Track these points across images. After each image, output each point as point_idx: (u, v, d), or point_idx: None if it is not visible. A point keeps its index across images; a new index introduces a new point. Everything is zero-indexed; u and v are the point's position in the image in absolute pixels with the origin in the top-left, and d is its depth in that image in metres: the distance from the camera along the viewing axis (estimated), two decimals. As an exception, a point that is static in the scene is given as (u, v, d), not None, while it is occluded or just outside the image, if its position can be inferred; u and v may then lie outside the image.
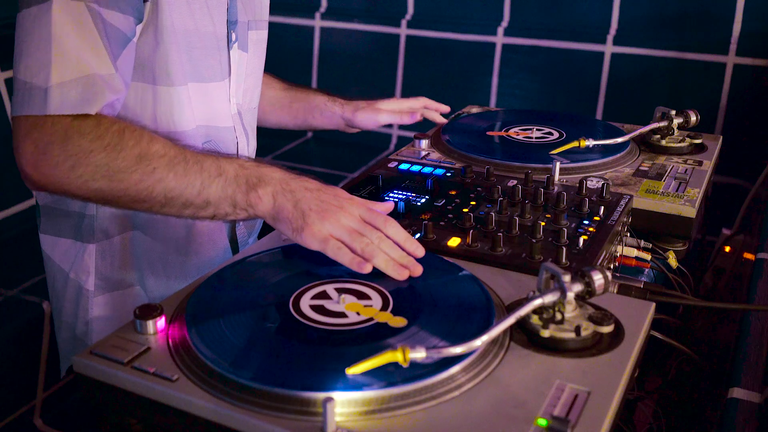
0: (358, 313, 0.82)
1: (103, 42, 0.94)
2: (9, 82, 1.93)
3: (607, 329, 0.79)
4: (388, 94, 2.57)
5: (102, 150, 0.91)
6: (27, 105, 0.91)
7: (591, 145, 1.29)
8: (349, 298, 0.85)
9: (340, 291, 0.87)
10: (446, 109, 1.52)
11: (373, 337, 0.78)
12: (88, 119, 0.92)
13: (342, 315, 0.82)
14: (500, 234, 0.99)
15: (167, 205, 0.94)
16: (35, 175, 0.92)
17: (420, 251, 0.93)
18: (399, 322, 0.80)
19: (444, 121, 1.51)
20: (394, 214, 1.09)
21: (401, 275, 0.89)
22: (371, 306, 0.83)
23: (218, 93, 1.16)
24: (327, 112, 1.46)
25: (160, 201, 0.94)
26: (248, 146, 1.28)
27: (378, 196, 1.16)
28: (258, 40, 1.26)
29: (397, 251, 0.92)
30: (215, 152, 1.00)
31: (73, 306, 1.19)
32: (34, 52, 0.91)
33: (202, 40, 1.11)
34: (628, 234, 1.16)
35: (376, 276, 0.89)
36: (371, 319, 0.81)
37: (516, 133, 1.44)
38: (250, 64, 1.24)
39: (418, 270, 0.90)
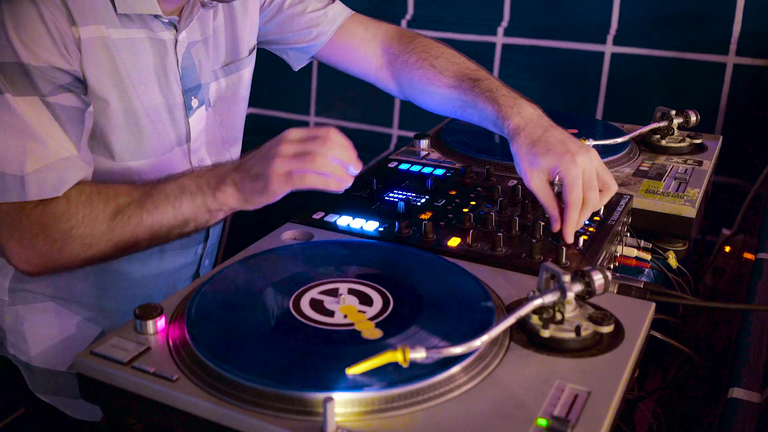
0: (345, 316, 0.82)
1: (64, 129, 0.98)
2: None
3: (607, 329, 0.79)
4: (389, 94, 2.57)
5: (81, 224, 0.96)
6: (3, 193, 0.95)
7: (591, 145, 1.28)
8: (350, 299, 0.85)
9: (341, 291, 0.86)
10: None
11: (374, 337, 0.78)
12: (57, 201, 0.97)
13: (331, 314, 0.82)
14: (500, 234, 0.99)
15: (155, 238, 0.99)
16: (28, 267, 0.99)
17: (356, 164, 0.94)
18: (374, 334, 0.79)
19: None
20: (394, 214, 1.10)
21: (340, 189, 0.93)
22: (364, 312, 0.83)
23: (174, 161, 1.16)
24: (496, 129, 1.17)
25: (147, 238, 0.99)
26: None
27: (378, 196, 1.16)
28: (231, 85, 1.23)
29: (346, 153, 0.93)
30: (169, 176, 1.02)
31: None
32: (1, 145, 0.95)
33: (149, 114, 1.10)
34: (628, 234, 1.16)
35: (377, 276, 0.90)
36: (352, 324, 0.80)
37: None
38: (223, 115, 1.23)
39: (348, 181, 0.93)
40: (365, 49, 1.34)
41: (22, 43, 0.95)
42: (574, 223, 1.00)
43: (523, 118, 1.09)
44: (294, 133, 0.94)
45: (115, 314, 1.20)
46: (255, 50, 1.28)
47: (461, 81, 1.22)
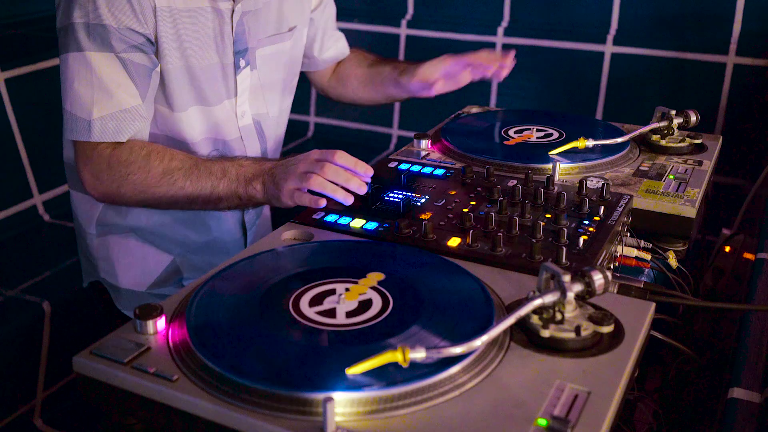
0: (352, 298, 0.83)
1: (133, 80, 1.19)
2: (9, 82, 1.94)
3: (607, 329, 0.79)
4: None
5: (136, 172, 1.18)
6: (76, 132, 1.19)
7: (591, 145, 1.29)
8: (350, 299, 0.85)
9: (339, 291, 0.86)
10: (505, 68, 1.52)
11: (374, 337, 0.78)
12: (123, 147, 1.19)
13: (331, 314, 0.82)
14: (500, 234, 0.99)
15: (192, 204, 1.21)
16: (96, 194, 1.23)
17: (369, 171, 1.13)
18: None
19: (502, 75, 1.51)
20: (395, 214, 1.10)
21: (346, 200, 1.10)
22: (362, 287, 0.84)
23: (223, 112, 1.35)
24: (394, 83, 1.54)
25: (186, 203, 1.20)
26: (268, 150, 1.48)
27: (378, 196, 1.16)
28: (271, 53, 1.42)
29: (342, 176, 1.10)
30: (222, 157, 1.24)
31: (82, 234, 1.43)
32: (77, 90, 1.17)
33: (205, 72, 1.30)
34: (628, 234, 1.16)
35: (377, 276, 0.90)
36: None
37: (529, 135, 1.44)
38: (264, 77, 1.41)
39: (362, 188, 1.11)
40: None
41: (108, 8, 1.16)
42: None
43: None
44: (314, 153, 1.13)
45: (186, 243, 1.41)
46: (295, 30, 1.46)
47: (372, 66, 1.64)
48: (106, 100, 1.17)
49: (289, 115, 1.55)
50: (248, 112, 1.40)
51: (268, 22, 1.39)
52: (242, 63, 1.35)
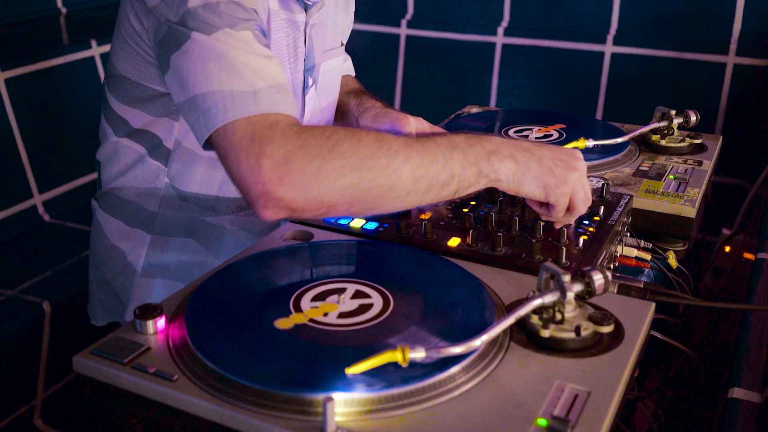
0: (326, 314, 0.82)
1: (275, 57, 0.99)
2: (9, 82, 1.94)
3: (607, 329, 0.79)
4: (389, 94, 2.57)
5: (343, 141, 0.88)
6: (233, 110, 0.90)
7: (591, 145, 1.29)
8: (349, 299, 0.85)
9: (341, 291, 0.86)
10: None
11: (374, 337, 0.78)
12: (306, 125, 0.92)
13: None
14: (500, 234, 0.99)
15: (413, 191, 0.91)
16: (280, 190, 0.86)
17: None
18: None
19: None
20: (395, 214, 1.09)
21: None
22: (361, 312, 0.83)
23: None
24: (354, 121, 1.35)
25: (407, 187, 0.90)
26: None
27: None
28: (329, 69, 1.29)
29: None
30: (432, 133, 1.04)
31: (114, 270, 1.25)
32: (227, 66, 0.93)
33: None
34: (628, 234, 1.16)
35: (377, 276, 0.90)
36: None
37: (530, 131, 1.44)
38: (323, 97, 1.28)
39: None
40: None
41: None
42: None
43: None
44: (583, 175, 0.99)
45: None
46: (340, 52, 1.35)
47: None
48: (268, 68, 0.95)
49: None
50: None
51: (327, 34, 1.27)
52: (310, 81, 1.22)
